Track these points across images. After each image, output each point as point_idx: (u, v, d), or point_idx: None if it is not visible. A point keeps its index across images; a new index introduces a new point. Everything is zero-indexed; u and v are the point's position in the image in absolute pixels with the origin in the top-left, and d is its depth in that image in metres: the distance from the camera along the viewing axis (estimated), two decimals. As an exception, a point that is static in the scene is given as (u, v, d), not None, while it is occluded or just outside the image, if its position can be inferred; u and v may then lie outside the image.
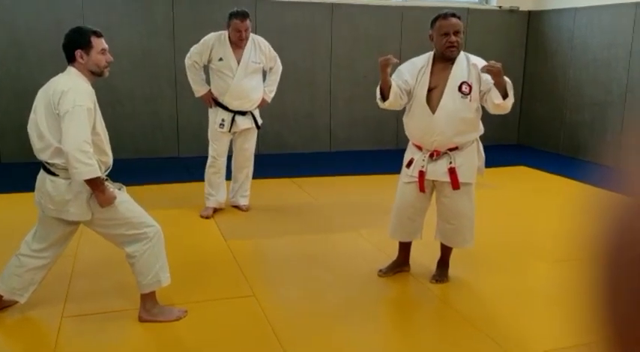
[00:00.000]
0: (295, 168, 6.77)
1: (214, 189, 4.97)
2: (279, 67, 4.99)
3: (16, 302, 3.12)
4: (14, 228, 3.90)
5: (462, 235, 3.57)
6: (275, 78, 5.00)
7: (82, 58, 2.87)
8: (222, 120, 4.82)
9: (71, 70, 2.89)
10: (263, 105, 5.00)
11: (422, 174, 3.46)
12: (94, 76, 2.94)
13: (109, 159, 3.00)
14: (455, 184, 3.42)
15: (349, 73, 7.77)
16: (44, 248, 3.04)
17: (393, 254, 3.82)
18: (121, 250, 3.05)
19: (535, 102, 8.44)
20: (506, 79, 3.24)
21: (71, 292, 3.41)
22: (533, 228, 4.80)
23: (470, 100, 3.34)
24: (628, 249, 0.37)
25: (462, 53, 3.41)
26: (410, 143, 3.60)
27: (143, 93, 7.10)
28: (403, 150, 3.67)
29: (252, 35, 4.78)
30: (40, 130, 2.82)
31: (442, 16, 3.37)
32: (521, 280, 3.74)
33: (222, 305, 3.32)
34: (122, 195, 2.97)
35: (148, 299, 3.06)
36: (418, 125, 3.45)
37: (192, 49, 4.81)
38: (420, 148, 3.50)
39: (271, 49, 4.90)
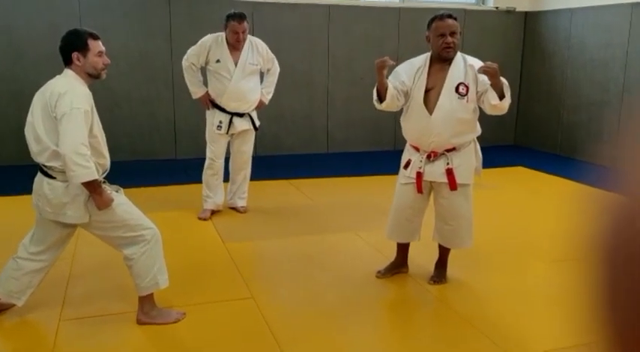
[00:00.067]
0: (293, 170, 6.76)
1: (212, 191, 4.97)
2: (276, 69, 4.99)
3: (14, 305, 3.11)
4: (11, 231, 3.89)
5: (460, 236, 3.57)
6: (272, 79, 5.00)
7: (78, 60, 2.87)
8: (220, 122, 4.82)
9: (68, 73, 2.89)
10: (260, 107, 5.00)
11: (419, 175, 3.46)
12: (91, 78, 2.94)
13: (107, 162, 3.00)
14: (452, 185, 3.42)
15: (346, 74, 7.78)
16: (42, 251, 3.03)
17: (391, 255, 3.82)
18: (118, 252, 3.04)
19: (532, 102, 8.46)
20: (503, 79, 3.25)
21: (69, 295, 3.40)
22: (531, 228, 4.81)
23: (467, 101, 3.35)
24: (624, 248, 0.37)
25: (458, 54, 3.42)
26: (407, 144, 3.60)
27: (140, 95, 7.09)
28: (401, 151, 3.68)
29: (249, 37, 4.78)
30: (37, 133, 2.81)
31: (438, 17, 3.38)
32: (520, 280, 3.74)
33: (221, 307, 3.31)
34: (120, 198, 2.97)
35: (146, 302, 3.05)
36: (415, 126, 3.45)
37: (189, 50, 4.81)
38: (417, 149, 3.50)
39: (269, 50, 4.91)
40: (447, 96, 3.35)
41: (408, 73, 3.44)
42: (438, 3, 8.21)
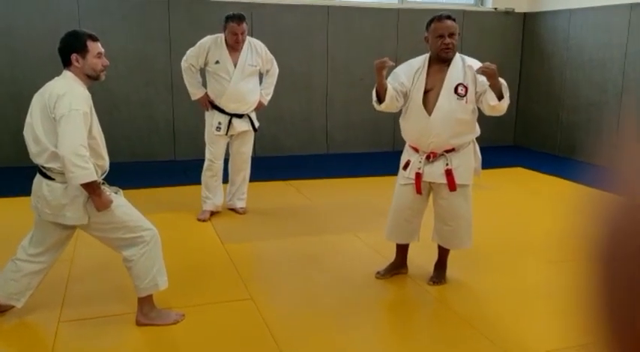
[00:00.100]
0: (292, 171, 6.76)
1: (211, 192, 4.96)
2: (275, 70, 4.99)
3: (13, 306, 3.11)
4: (10, 233, 3.89)
5: (459, 237, 3.57)
6: (271, 80, 5.01)
7: (77, 61, 2.87)
8: (219, 123, 4.82)
9: (67, 74, 2.89)
10: (260, 108, 5.01)
11: (419, 175, 3.46)
12: (90, 79, 2.94)
13: (106, 163, 3.00)
14: (452, 186, 3.42)
15: (345, 75, 7.78)
16: (41, 252, 3.03)
17: (391, 256, 3.82)
18: (118, 254, 3.04)
19: (531, 103, 8.46)
20: (502, 80, 3.25)
21: (68, 296, 3.40)
22: (530, 228, 4.81)
23: (466, 102, 3.35)
24: (622, 248, 0.38)
25: (457, 55, 3.42)
26: (406, 145, 3.60)
27: (139, 96, 7.09)
28: (400, 152, 3.68)
29: (248, 38, 4.78)
30: (36, 134, 2.81)
31: (437, 18, 3.38)
32: (519, 281, 3.74)
33: (220, 308, 3.31)
34: (119, 199, 2.97)
35: (146, 303, 3.05)
36: (414, 127, 3.45)
37: (188, 52, 4.81)
38: (416, 150, 3.50)
39: (268, 51, 4.91)
40: (445, 97, 3.35)
41: (407, 74, 3.44)
42: (437, 4, 8.22)
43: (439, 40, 3.34)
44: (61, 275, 3.62)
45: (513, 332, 3.08)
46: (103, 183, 2.93)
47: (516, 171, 7.05)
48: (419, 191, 3.49)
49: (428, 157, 3.45)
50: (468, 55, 3.50)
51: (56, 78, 2.92)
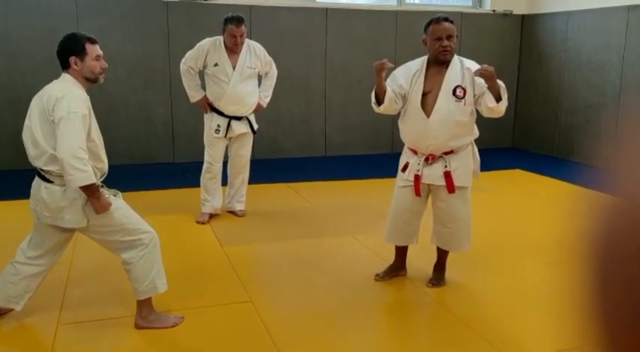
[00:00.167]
0: (291, 173, 6.76)
1: (210, 194, 4.96)
2: (274, 72, 5.00)
3: (12, 309, 3.10)
4: (9, 236, 3.88)
5: (458, 239, 3.57)
6: (270, 83, 5.01)
7: (76, 64, 2.87)
8: (218, 125, 4.82)
9: (66, 77, 2.89)
10: (258, 111, 5.01)
11: (417, 178, 3.47)
12: (89, 82, 2.93)
13: (105, 166, 3.00)
14: (450, 188, 3.42)
15: (344, 77, 7.78)
16: (39, 255, 3.03)
17: (390, 258, 3.82)
18: (116, 257, 3.04)
19: (530, 105, 8.47)
20: (500, 82, 3.26)
21: (67, 299, 3.39)
22: (529, 230, 4.81)
23: (464, 104, 3.35)
24: (619, 249, 0.38)
25: (455, 57, 3.43)
26: (405, 147, 3.61)
27: (138, 98, 7.09)
28: (398, 154, 3.68)
29: (247, 40, 4.79)
30: (35, 137, 2.81)
31: (435, 20, 3.38)
32: (518, 283, 3.74)
33: (219, 311, 3.31)
34: (118, 202, 2.96)
35: (145, 306, 3.05)
36: (413, 129, 3.46)
37: (187, 54, 4.81)
38: (415, 152, 3.50)
39: (266, 54, 4.91)
40: (444, 99, 3.35)
41: (406, 77, 3.44)
42: (435, 6, 8.23)
43: (437, 42, 3.34)
44: (60, 278, 3.61)
45: (512, 334, 3.09)
46: (102, 186, 2.93)
47: (515, 173, 7.05)
48: (418, 193, 3.50)
49: (427, 159, 3.45)
50: (466, 57, 3.51)
51: (55, 81, 2.92)
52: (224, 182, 5.08)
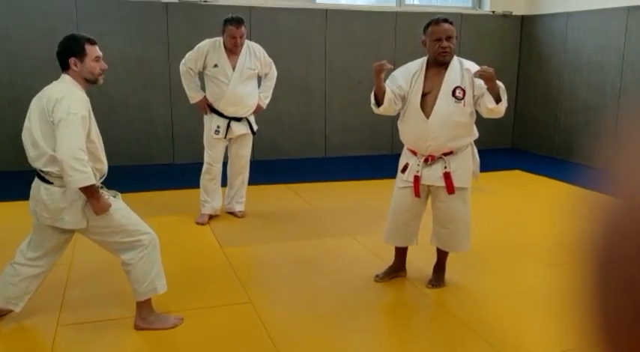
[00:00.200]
0: (291, 174, 6.76)
1: (210, 195, 4.96)
2: (274, 73, 5.00)
3: (11, 311, 3.10)
4: (9, 237, 3.88)
5: (458, 239, 3.57)
6: (270, 84, 5.01)
7: (76, 65, 2.87)
8: (218, 126, 4.82)
9: (65, 78, 2.89)
10: (258, 112, 5.01)
11: (417, 178, 3.47)
12: (89, 83, 2.93)
13: (104, 167, 3.00)
14: (450, 189, 3.42)
15: (344, 78, 7.79)
16: (39, 256, 3.02)
17: (389, 259, 3.82)
18: (116, 258, 3.04)
19: (529, 106, 8.47)
20: (500, 83, 3.26)
21: (66, 300, 3.39)
22: (528, 231, 4.81)
23: (464, 105, 3.35)
24: (620, 249, 0.38)
25: (455, 58, 3.43)
26: (405, 148, 3.61)
27: (137, 100, 7.09)
28: (398, 155, 3.68)
29: (247, 41, 4.79)
30: (35, 138, 2.81)
31: (434, 21, 3.39)
32: (518, 284, 3.74)
33: (219, 312, 3.31)
34: (117, 203, 2.96)
35: (144, 307, 3.05)
36: (412, 130, 3.46)
37: (186, 55, 4.82)
38: (414, 153, 3.50)
39: (266, 55, 4.91)
40: (443, 100, 3.35)
41: (405, 78, 3.44)
42: (435, 7, 8.24)
43: (437, 43, 3.34)
44: (60, 280, 3.61)
45: (512, 335, 3.08)
46: (102, 187, 2.93)
47: (514, 174, 7.05)
48: (417, 194, 3.50)
49: (426, 160, 3.45)
50: (466, 58, 3.51)
51: (54, 82, 2.92)
52: (224, 183, 5.08)
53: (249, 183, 5.18)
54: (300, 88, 7.65)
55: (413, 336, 3.26)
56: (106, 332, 3.04)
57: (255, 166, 5.31)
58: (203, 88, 4.89)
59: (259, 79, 5.00)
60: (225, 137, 4.86)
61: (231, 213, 5.12)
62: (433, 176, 3.45)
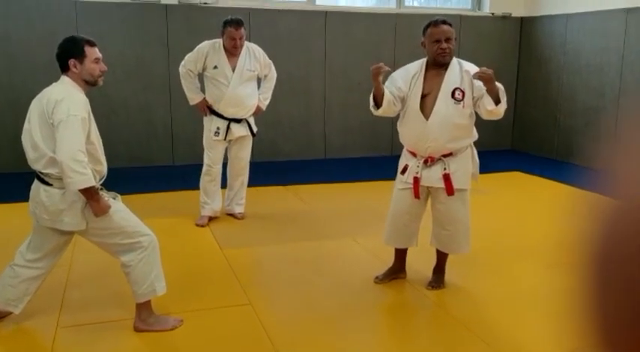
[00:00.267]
0: (290, 176, 6.76)
1: (210, 197, 4.96)
2: (273, 75, 5.00)
3: (11, 312, 3.10)
4: (8, 238, 3.88)
5: (457, 241, 3.57)
6: (270, 85, 5.01)
7: (75, 67, 2.87)
8: (218, 128, 4.82)
9: (65, 80, 2.89)
10: (258, 113, 5.01)
11: (416, 180, 3.47)
12: (88, 85, 2.94)
13: (104, 169, 3.00)
14: (449, 190, 3.42)
15: (343, 80, 7.79)
16: (38, 258, 3.02)
17: (389, 260, 3.81)
18: (115, 260, 3.04)
19: (529, 107, 8.48)
20: (499, 84, 3.26)
21: (66, 302, 3.39)
22: (528, 233, 4.81)
23: (463, 106, 3.36)
24: (617, 251, 0.38)
25: (454, 59, 3.43)
26: (404, 149, 3.61)
27: (137, 101, 7.09)
28: (398, 157, 3.68)
29: (246, 43, 4.79)
30: (34, 140, 2.81)
31: (433, 23, 3.39)
32: (518, 285, 3.74)
33: (218, 313, 3.30)
34: (117, 204, 2.96)
35: (144, 309, 3.04)
36: (412, 131, 3.46)
37: (186, 57, 4.82)
38: (414, 154, 3.50)
39: (266, 56, 4.92)
40: (443, 102, 3.36)
41: (404, 79, 3.45)
42: (434, 9, 8.24)
43: (436, 44, 3.35)
44: (59, 281, 3.61)
45: (511, 336, 3.08)
46: (101, 189, 2.93)
47: (514, 176, 7.05)
48: (417, 195, 3.50)
49: (426, 162, 3.45)
50: (466, 60, 3.51)
51: (54, 83, 2.92)
52: (223, 184, 5.08)
53: (249, 185, 5.18)
54: (300, 89, 7.65)
55: (413, 337, 3.26)
56: (105, 334, 3.04)
57: (254, 168, 5.31)
58: (203, 90, 4.89)
59: (259, 81, 5.01)
60: (224, 139, 4.86)
61: (231, 215, 5.11)
62: (433, 177, 3.45)
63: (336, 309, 3.38)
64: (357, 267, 4.00)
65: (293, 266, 4.03)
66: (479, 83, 3.29)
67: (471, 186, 3.56)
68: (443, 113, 3.35)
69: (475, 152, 3.57)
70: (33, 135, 2.81)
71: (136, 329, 3.04)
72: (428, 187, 3.50)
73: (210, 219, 4.98)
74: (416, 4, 8.41)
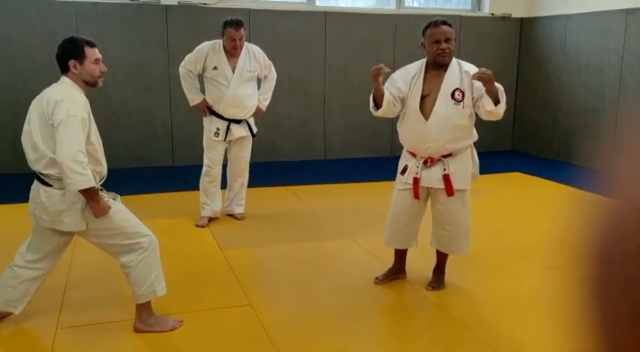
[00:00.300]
0: (290, 176, 6.77)
1: (209, 198, 4.96)
2: (273, 75, 5.00)
3: (11, 313, 3.10)
4: (8, 239, 3.88)
5: (457, 241, 3.57)
6: (269, 86, 5.01)
7: (75, 68, 2.87)
8: (217, 129, 4.82)
9: (65, 80, 2.89)
10: (258, 114, 5.01)
11: (416, 180, 3.47)
12: (88, 86, 2.94)
13: (104, 169, 3.00)
14: (449, 191, 3.42)
15: (343, 80, 7.79)
16: (38, 259, 3.02)
17: (389, 261, 3.81)
18: (115, 260, 3.04)
19: (529, 108, 8.48)
20: (498, 85, 3.26)
21: (66, 303, 3.39)
22: (528, 233, 4.81)
23: (463, 107, 3.36)
24: (617, 251, 0.38)
25: (454, 60, 3.43)
26: (404, 150, 3.61)
27: (137, 102, 7.09)
28: (398, 157, 3.68)
29: (246, 44, 4.79)
30: (34, 141, 2.81)
31: (433, 24, 3.40)
32: (518, 286, 3.74)
33: (218, 314, 3.30)
34: (117, 205, 2.96)
35: (144, 310, 3.04)
36: (412, 132, 3.46)
37: (186, 57, 4.82)
38: (414, 155, 3.50)
39: (266, 57, 4.92)
40: (442, 102, 3.36)
41: (404, 80, 3.45)
42: (434, 9, 8.24)
43: (435, 45, 3.35)
44: (59, 282, 3.61)
45: (511, 337, 3.08)
46: (101, 189, 2.93)
47: (514, 176, 7.06)
48: (416, 196, 3.50)
49: (425, 162, 3.45)
50: (466, 61, 3.51)
51: (54, 84, 2.92)
52: (223, 185, 5.08)
53: (249, 186, 5.18)
54: (300, 90, 7.65)
55: (412, 338, 3.26)
56: (105, 335, 3.04)
57: (254, 168, 5.31)
58: (203, 91, 4.89)
59: (259, 82, 5.01)
60: (224, 139, 4.86)
61: (231, 216, 5.11)
62: (432, 178, 3.45)
63: (336, 310, 3.38)
64: (357, 268, 4.00)
65: (293, 267, 4.03)
66: (478, 84, 3.29)
67: (471, 186, 3.56)
68: (442, 114, 3.35)
69: (475, 152, 3.57)
70: (33, 136, 2.81)
71: (136, 330, 3.04)
72: (428, 188, 3.50)
73: (210, 219, 4.98)
74: (416, 4, 8.41)
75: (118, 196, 3.06)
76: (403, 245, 3.70)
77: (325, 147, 7.95)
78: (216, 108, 4.81)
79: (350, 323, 3.20)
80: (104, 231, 2.91)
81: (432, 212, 3.58)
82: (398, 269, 3.78)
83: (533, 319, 3.24)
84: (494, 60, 7.81)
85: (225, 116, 4.80)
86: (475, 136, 3.53)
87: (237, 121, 4.85)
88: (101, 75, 2.95)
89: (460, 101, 3.35)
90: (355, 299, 3.51)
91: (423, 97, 3.40)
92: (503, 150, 8.65)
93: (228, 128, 4.82)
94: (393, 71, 3.55)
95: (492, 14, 8.38)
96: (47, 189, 2.84)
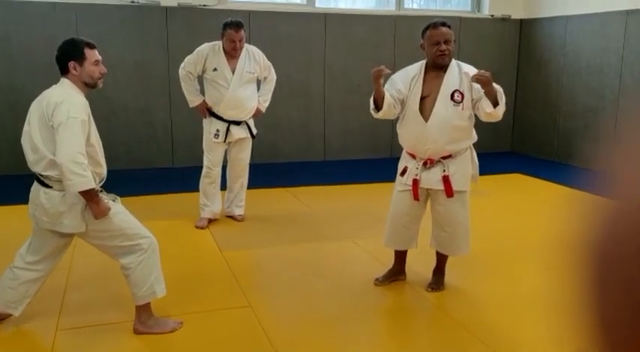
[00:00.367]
0: (290, 178, 6.77)
1: (209, 199, 4.96)
2: (273, 77, 5.00)
3: (11, 315, 3.10)
4: (8, 241, 3.88)
5: (457, 243, 3.57)
6: (269, 87, 5.02)
7: (75, 69, 2.87)
8: (217, 130, 4.82)
9: (65, 82, 2.89)
10: (257, 115, 5.01)
11: (416, 182, 3.47)
12: (88, 87, 2.94)
13: (104, 171, 3.00)
14: (449, 192, 3.42)
15: (343, 82, 7.79)
16: (38, 260, 3.02)
17: (389, 262, 3.81)
18: (115, 262, 3.03)
19: (528, 109, 8.48)
20: (497, 87, 3.27)
21: (66, 304, 3.39)
22: (528, 234, 4.81)
23: (462, 108, 3.36)
24: (617, 251, 0.38)
25: (453, 61, 3.43)
26: (404, 151, 3.61)
27: (137, 104, 7.10)
28: (397, 159, 3.68)
29: (246, 45, 4.79)
30: (34, 142, 2.81)
31: (432, 25, 3.40)
32: (517, 287, 3.74)
33: (218, 316, 3.30)
34: (116, 207, 2.96)
35: (143, 311, 3.04)
36: (411, 133, 3.46)
37: (186, 59, 4.82)
38: (413, 156, 3.51)
39: (265, 58, 4.92)
40: (442, 104, 3.36)
41: (404, 81, 3.45)
42: (434, 11, 8.25)
43: (435, 46, 3.35)
44: (59, 284, 3.61)
45: (511, 338, 3.08)
46: (101, 191, 2.93)
47: (514, 178, 7.06)
48: (416, 197, 3.50)
49: (425, 163, 3.45)
50: (465, 62, 3.52)
51: (54, 86, 2.92)
52: (223, 187, 5.08)
53: (249, 187, 5.18)
54: (300, 91, 7.66)
55: (412, 339, 3.26)
56: (105, 336, 3.03)
57: (254, 170, 5.31)
58: (202, 92, 4.89)
59: (258, 83, 5.01)
60: (224, 141, 4.86)
61: (231, 217, 5.11)
62: (432, 179, 3.45)
63: (336, 311, 3.37)
64: (356, 269, 4.00)
65: (293, 268, 4.03)
66: (477, 85, 3.29)
67: (471, 187, 3.56)
68: (442, 115, 3.35)
69: (474, 154, 3.57)
70: (33, 138, 2.81)
71: (136, 332, 3.04)
72: (427, 189, 3.50)
73: (210, 221, 4.98)
74: (415, 6, 8.42)
75: (118, 198, 3.06)
76: (403, 246, 3.70)
77: (325, 148, 7.95)
78: (215, 110, 4.81)
79: (350, 325, 3.20)
80: (104, 232, 2.91)
81: (432, 213, 3.58)
82: (398, 271, 3.78)
83: (533, 320, 3.24)
84: (493, 61, 7.82)
85: (225, 117, 4.81)
86: (475, 137, 3.53)
87: (237, 123, 4.85)
88: (101, 76, 2.96)
89: (459, 102, 3.35)
90: (355, 301, 3.51)
91: (422, 99, 3.41)
92: (502, 151, 8.65)
93: (227, 129, 4.83)
94: (393, 73, 3.55)
95: (492, 15, 8.38)
96: (47, 190, 2.84)
